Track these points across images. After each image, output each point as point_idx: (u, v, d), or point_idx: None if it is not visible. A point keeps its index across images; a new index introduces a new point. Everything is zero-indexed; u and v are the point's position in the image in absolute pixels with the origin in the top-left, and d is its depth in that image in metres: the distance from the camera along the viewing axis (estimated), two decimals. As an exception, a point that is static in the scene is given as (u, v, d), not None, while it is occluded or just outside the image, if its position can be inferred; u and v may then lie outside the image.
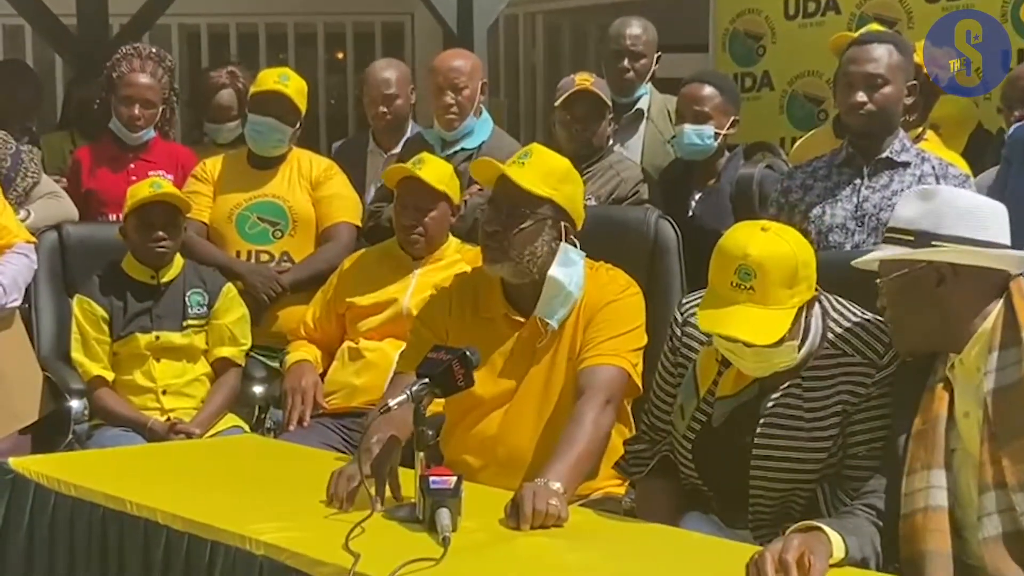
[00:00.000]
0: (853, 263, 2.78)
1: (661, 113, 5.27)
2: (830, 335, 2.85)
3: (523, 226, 3.20)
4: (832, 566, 2.41)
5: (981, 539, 2.51)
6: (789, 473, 2.85)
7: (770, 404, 2.86)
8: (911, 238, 2.61)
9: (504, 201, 3.23)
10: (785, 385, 2.85)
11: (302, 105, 4.80)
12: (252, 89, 4.83)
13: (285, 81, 4.76)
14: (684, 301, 3.10)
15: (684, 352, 3.04)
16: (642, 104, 5.25)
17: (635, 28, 5.26)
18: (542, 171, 3.23)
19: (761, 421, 2.86)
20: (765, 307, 2.73)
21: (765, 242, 2.76)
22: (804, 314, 2.81)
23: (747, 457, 2.87)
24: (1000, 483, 2.51)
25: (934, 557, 2.50)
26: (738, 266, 2.74)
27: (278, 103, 4.73)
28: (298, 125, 4.82)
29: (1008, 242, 2.63)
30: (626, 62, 5.20)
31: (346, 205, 4.85)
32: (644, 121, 5.24)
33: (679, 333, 3.06)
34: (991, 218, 2.64)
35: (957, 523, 2.59)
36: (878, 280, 2.68)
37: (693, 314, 2.98)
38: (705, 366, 2.96)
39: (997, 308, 2.59)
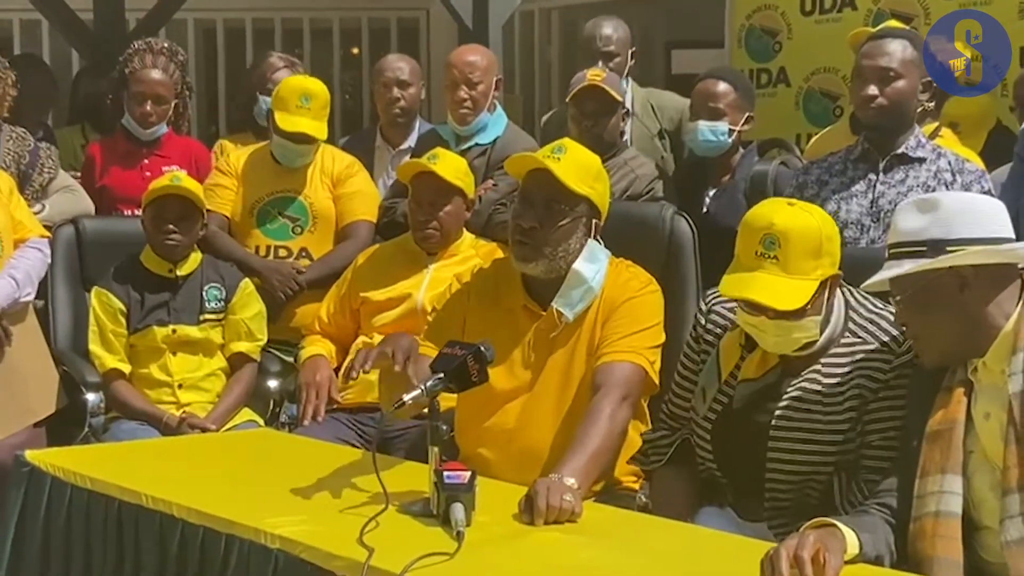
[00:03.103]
0: (864, 287, 2.77)
1: (645, 108, 5.29)
2: (851, 324, 2.91)
3: (562, 223, 3.20)
4: (846, 563, 2.40)
5: (1004, 542, 2.49)
6: (806, 455, 2.87)
7: (790, 388, 2.90)
8: (923, 248, 2.57)
9: (540, 195, 3.21)
10: (806, 370, 2.90)
11: (324, 120, 4.80)
12: (275, 109, 4.75)
13: (307, 104, 4.71)
14: (709, 292, 3.15)
15: (708, 339, 3.08)
16: (625, 101, 5.25)
17: (606, 28, 5.30)
18: (579, 167, 3.23)
19: (780, 403, 2.90)
20: (789, 276, 2.77)
21: (791, 214, 2.83)
22: (827, 293, 2.86)
23: (765, 439, 2.90)
24: (1022, 485, 2.49)
25: (943, 564, 2.49)
26: (763, 235, 2.79)
27: (301, 135, 4.75)
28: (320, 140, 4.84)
29: (1012, 236, 2.62)
30: (600, 63, 5.21)
31: (366, 202, 4.86)
32: (630, 118, 5.24)
33: (703, 321, 3.11)
34: (993, 215, 2.63)
35: (972, 524, 2.58)
36: (896, 298, 2.66)
37: (718, 303, 3.06)
38: (728, 350, 3.01)
39: (1017, 308, 2.58)
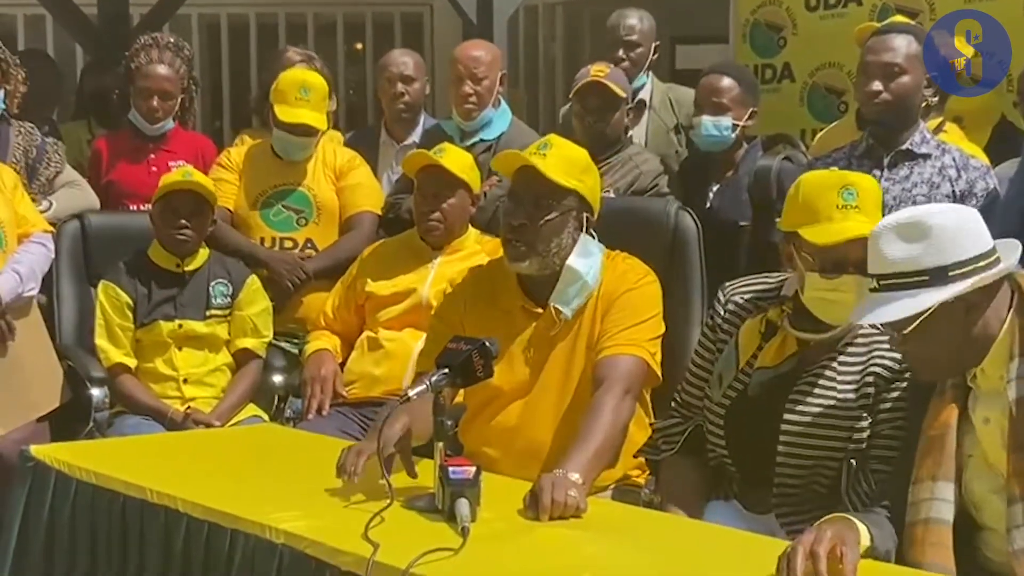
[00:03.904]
0: (866, 320, 2.66)
1: (663, 102, 5.29)
2: None
3: (549, 218, 3.19)
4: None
5: (1012, 551, 2.49)
6: (816, 439, 2.90)
7: (805, 375, 2.94)
8: (926, 278, 2.51)
9: (528, 193, 3.21)
10: (823, 359, 2.93)
11: (324, 112, 4.81)
12: (275, 102, 4.76)
13: (307, 96, 4.72)
14: (727, 284, 3.17)
15: (725, 328, 3.10)
16: (644, 94, 5.28)
17: (631, 18, 5.33)
18: (565, 162, 3.22)
19: (794, 390, 2.93)
20: (872, 223, 2.77)
21: (852, 172, 3.00)
22: None
23: (777, 425, 2.92)
24: None
25: (935, 570, 2.47)
26: (841, 188, 2.86)
27: (301, 127, 4.74)
28: (321, 132, 4.84)
29: (991, 240, 2.58)
30: (621, 52, 5.23)
31: (369, 194, 4.87)
32: (647, 111, 5.26)
33: (722, 312, 3.12)
34: (976, 225, 2.57)
35: (975, 525, 2.59)
36: (901, 331, 2.57)
37: (736, 293, 3.10)
38: (747, 338, 3.03)
39: (1010, 313, 2.56)
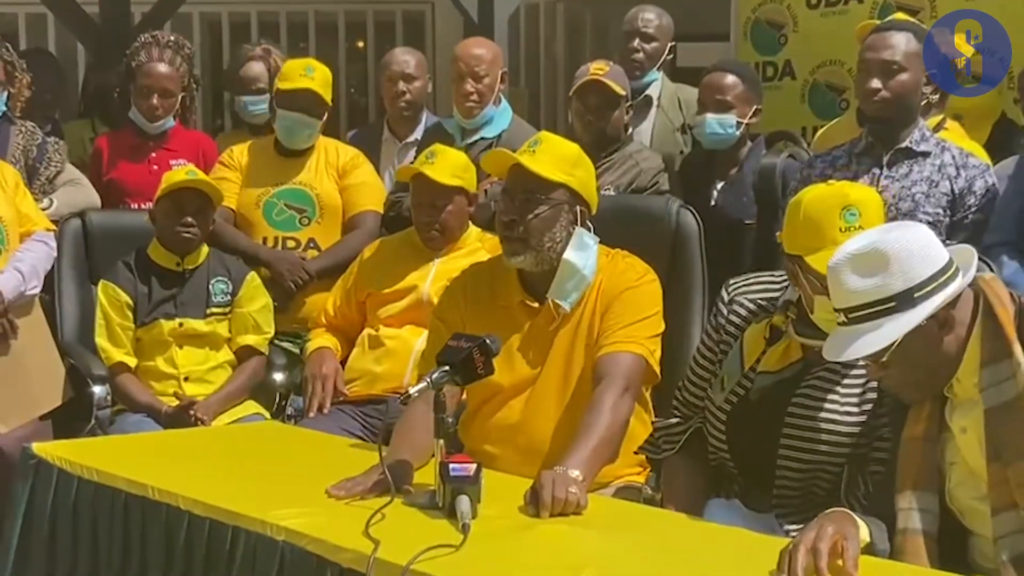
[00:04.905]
0: (844, 358, 2.62)
1: (671, 102, 5.30)
2: None
3: (539, 212, 3.20)
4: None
5: (1002, 562, 2.49)
6: (818, 443, 2.89)
7: (808, 378, 2.92)
8: (893, 303, 2.50)
9: (518, 189, 3.23)
10: (827, 364, 2.89)
11: (328, 95, 4.82)
12: (279, 83, 4.81)
13: (311, 73, 4.76)
14: (732, 281, 3.15)
15: (729, 329, 3.08)
16: (652, 91, 5.29)
17: (650, 13, 5.39)
18: (554, 157, 3.23)
19: (797, 395, 2.92)
20: None
21: (853, 185, 2.96)
22: None
23: (779, 429, 2.91)
24: (1009, 504, 2.49)
25: None
26: (842, 209, 2.82)
27: (305, 98, 4.75)
28: (325, 116, 4.85)
29: (945, 250, 2.58)
30: (637, 42, 5.24)
31: (372, 193, 4.88)
32: (654, 108, 5.27)
33: (725, 312, 3.10)
34: (929, 241, 2.56)
35: (964, 531, 2.59)
36: (880, 360, 2.57)
37: (740, 294, 3.07)
38: (752, 342, 3.01)
39: (978, 321, 2.55)
